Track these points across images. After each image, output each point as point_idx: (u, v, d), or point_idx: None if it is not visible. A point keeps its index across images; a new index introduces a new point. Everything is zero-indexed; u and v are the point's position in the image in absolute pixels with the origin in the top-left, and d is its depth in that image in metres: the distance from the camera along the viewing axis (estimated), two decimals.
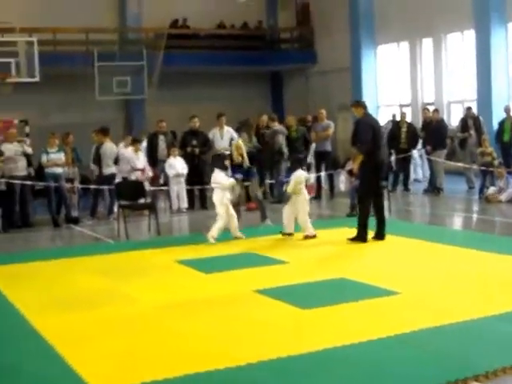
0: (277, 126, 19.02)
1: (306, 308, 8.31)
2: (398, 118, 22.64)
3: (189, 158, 17.92)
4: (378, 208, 12.73)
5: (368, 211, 12.63)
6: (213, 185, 13.44)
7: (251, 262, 11.14)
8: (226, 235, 13.14)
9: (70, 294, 9.68)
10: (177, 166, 17.68)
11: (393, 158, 20.17)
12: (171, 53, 27.68)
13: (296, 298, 8.73)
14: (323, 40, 30.47)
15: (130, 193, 14.95)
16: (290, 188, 13.14)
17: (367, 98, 26.84)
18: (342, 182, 19.36)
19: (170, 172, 17.62)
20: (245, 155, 14.60)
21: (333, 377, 6.22)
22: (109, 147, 17.04)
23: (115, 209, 16.11)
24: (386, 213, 15.58)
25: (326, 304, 8.47)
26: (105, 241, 14.06)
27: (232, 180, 13.52)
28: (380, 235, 12.64)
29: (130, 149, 17.71)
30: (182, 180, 17.68)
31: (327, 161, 19.32)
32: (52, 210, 16.17)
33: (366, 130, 12.64)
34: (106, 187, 16.76)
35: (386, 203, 15.69)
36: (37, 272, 11.10)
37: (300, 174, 13.35)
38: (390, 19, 26.45)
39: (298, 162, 14.03)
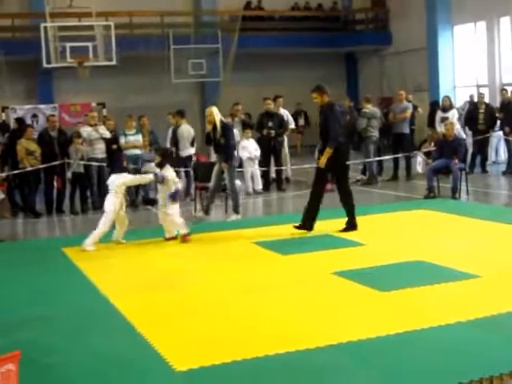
0: (370, 107, 18.92)
1: (384, 290, 8.28)
2: (475, 99, 22.30)
3: (265, 140, 17.94)
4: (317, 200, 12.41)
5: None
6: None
7: (328, 244, 11.13)
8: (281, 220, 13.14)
9: (148, 275, 9.84)
10: (250, 148, 17.71)
11: (470, 139, 19.88)
12: (246, 35, 27.68)
13: (374, 281, 8.70)
14: (398, 21, 30.09)
15: (207, 174, 15.01)
16: None
17: (444, 78, 26.59)
18: (419, 163, 19.16)
19: (244, 154, 17.66)
20: (218, 125, 13.66)
21: (412, 359, 6.19)
22: (186, 129, 17.18)
23: (192, 190, 16.24)
24: (464, 194, 15.46)
25: (405, 287, 8.41)
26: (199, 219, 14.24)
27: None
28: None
29: None
30: (256, 162, 17.72)
31: (404, 143, 19.11)
32: (130, 192, 16.38)
33: (336, 122, 12.13)
34: (182, 169, 16.90)
35: (463, 185, 15.59)
36: (115, 253, 11.29)
37: None
38: None
39: None
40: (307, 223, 12.13)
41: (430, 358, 6.19)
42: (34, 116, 23.59)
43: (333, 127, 11.85)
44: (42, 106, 24.52)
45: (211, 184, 14.09)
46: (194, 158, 17.62)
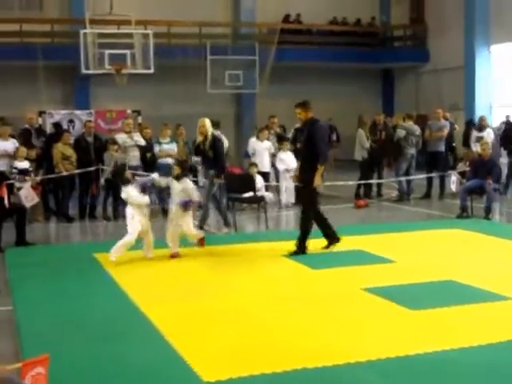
0: (410, 124, 18.88)
1: (414, 309, 8.23)
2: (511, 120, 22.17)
3: (299, 154, 17.90)
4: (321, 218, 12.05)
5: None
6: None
7: (359, 260, 11.09)
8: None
9: (178, 284, 9.87)
10: (287, 160, 17.72)
11: (505, 160, 19.73)
12: (283, 48, 27.76)
13: (404, 299, 8.65)
14: (436, 38, 30.04)
15: (240, 186, 15.04)
16: None
17: (480, 98, 26.48)
18: (453, 182, 19.06)
19: (281, 166, 17.65)
20: (209, 137, 13.41)
21: (441, 380, 6.16)
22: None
23: (224, 202, 16.25)
24: (497, 215, 15.35)
25: (435, 306, 8.36)
26: (213, 232, 14.22)
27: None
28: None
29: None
30: (291, 174, 17.70)
31: (439, 161, 19.01)
32: (164, 200, 16.44)
33: (324, 138, 12.02)
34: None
35: (497, 205, 15.49)
36: (146, 261, 11.31)
37: None
38: (505, 18, 25.88)
39: None
40: (330, 239, 12.04)
41: (459, 379, 6.15)
42: (71, 121, 23.77)
43: (321, 143, 11.55)
44: (78, 112, 24.72)
45: (204, 199, 13.81)
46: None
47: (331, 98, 28.94)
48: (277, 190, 18.01)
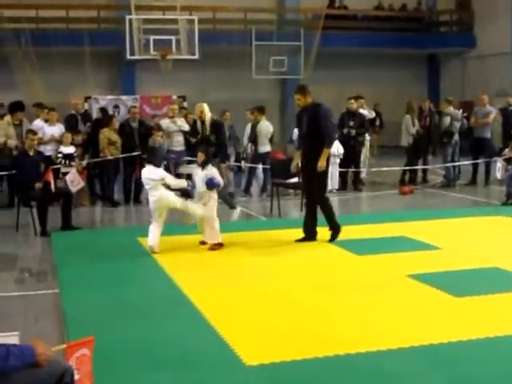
0: (451, 109, 18.72)
1: (459, 296, 8.17)
2: None
3: (345, 139, 17.86)
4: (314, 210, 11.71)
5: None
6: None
7: (404, 246, 11.04)
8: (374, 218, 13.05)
9: (221, 268, 9.93)
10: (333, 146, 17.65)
11: None
12: (328, 34, 27.62)
13: (449, 285, 8.58)
14: (483, 24, 29.67)
15: (284, 171, 14.99)
16: None
17: None
18: (499, 169, 18.86)
19: None
20: (207, 122, 12.56)
21: (485, 367, 6.12)
22: (265, 126, 17.21)
23: (268, 186, 16.29)
24: None
25: (480, 293, 8.30)
26: (257, 217, 14.23)
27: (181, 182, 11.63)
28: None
29: None
30: (337, 160, 17.64)
31: (485, 148, 18.81)
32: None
33: (331, 120, 11.62)
34: (260, 165, 16.97)
35: None
36: (189, 245, 11.36)
37: None
38: None
39: None
40: (312, 234, 11.61)
41: (502, 366, 6.11)
42: (116, 107, 23.95)
43: (328, 126, 11.27)
44: (123, 97, 24.88)
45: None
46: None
47: (376, 84, 28.75)
48: None
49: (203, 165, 11.34)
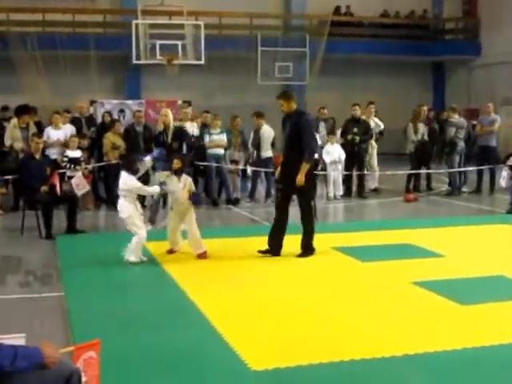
0: (456, 118, 18.71)
1: (463, 304, 8.17)
2: None
3: (349, 146, 17.87)
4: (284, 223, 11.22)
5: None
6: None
7: (408, 253, 11.05)
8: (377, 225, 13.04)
9: (226, 273, 9.94)
10: (334, 152, 17.67)
11: None
12: (334, 40, 27.66)
13: (454, 293, 8.58)
14: (489, 32, 29.71)
15: None
16: None
17: None
18: (503, 178, 18.85)
19: (328, 158, 17.61)
20: (170, 128, 13.02)
21: (489, 375, 6.11)
22: (267, 130, 17.20)
23: (272, 192, 16.29)
24: None
25: (485, 301, 8.29)
26: (261, 223, 14.25)
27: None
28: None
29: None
30: (340, 167, 17.67)
31: (490, 156, 18.80)
32: (212, 190, 16.56)
33: (313, 132, 11.28)
34: (263, 170, 16.98)
35: None
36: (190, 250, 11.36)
37: None
38: None
39: None
40: (276, 249, 11.05)
41: (507, 374, 6.10)
42: (121, 111, 23.99)
43: (309, 139, 10.72)
44: (129, 102, 24.93)
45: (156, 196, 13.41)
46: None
47: (381, 91, 28.76)
48: (324, 182, 18.02)
49: (178, 172, 11.01)
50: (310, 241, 11.05)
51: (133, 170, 10.79)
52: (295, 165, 10.66)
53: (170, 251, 11.18)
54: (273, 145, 17.45)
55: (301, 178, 10.59)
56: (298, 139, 10.69)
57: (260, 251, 10.97)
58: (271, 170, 16.79)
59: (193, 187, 11.19)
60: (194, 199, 11.24)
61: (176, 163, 11.02)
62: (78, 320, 7.59)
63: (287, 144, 10.93)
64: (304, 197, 11.02)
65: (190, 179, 11.22)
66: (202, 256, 10.84)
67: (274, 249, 11.01)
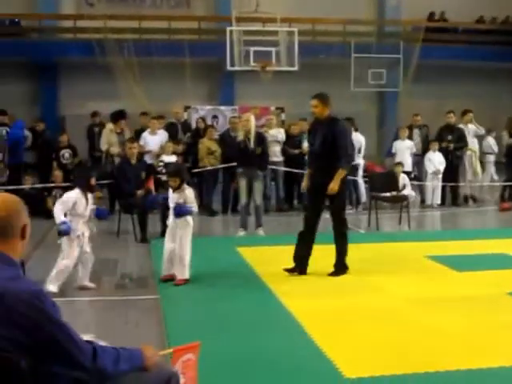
0: None
1: None
2: None
3: (443, 153, 17.67)
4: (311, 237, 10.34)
5: None
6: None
7: (505, 264, 10.84)
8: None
9: (318, 280, 9.92)
10: (435, 161, 17.49)
11: None
12: (427, 46, 27.34)
13: None
14: None
15: (382, 184, 14.97)
16: None
17: None
18: None
19: (429, 167, 17.45)
20: (252, 134, 12.81)
21: None
22: (357, 137, 17.11)
23: (363, 199, 16.22)
24: None
25: None
26: (355, 230, 14.19)
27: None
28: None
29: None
30: (440, 176, 17.45)
31: None
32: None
33: (351, 139, 10.72)
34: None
35: None
36: (288, 256, 11.36)
37: None
38: None
39: None
40: (303, 265, 10.24)
41: None
42: (215, 117, 24.20)
43: (346, 144, 10.04)
44: (222, 108, 25.13)
45: (244, 201, 13.46)
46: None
47: (475, 98, 28.27)
48: (419, 190, 17.85)
49: (176, 189, 9.86)
50: (343, 260, 10.26)
51: (80, 185, 9.45)
52: (328, 175, 9.89)
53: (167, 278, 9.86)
54: (359, 151, 17.39)
55: (334, 186, 9.80)
56: (331, 148, 9.96)
57: (285, 269, 10.14)
58: (357, 177, 16.75)
59: (192, 201, 9.94)
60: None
61: (173, 181, 9.86)
62: (173, 323, 7.70)
63: (319, 153, 10.12)
64: (336, 207, 10.19)
65: (191, 194, 10.01)
66: (180, 282, 9.62)
67: (301, 268, 10.19)
